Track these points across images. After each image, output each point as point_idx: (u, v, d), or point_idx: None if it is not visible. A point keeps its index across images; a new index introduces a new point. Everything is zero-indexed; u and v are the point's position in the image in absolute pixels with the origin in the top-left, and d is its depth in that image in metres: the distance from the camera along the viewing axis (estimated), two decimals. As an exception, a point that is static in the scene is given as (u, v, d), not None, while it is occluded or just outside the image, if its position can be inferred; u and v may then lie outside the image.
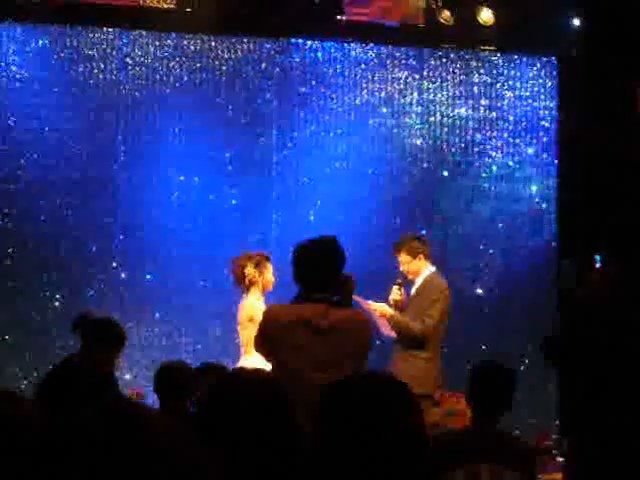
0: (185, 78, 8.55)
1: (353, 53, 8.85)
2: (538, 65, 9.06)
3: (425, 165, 8.90)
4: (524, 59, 9.04)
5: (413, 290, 6.69)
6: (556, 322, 7.69)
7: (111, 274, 8.38)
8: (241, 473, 1.99)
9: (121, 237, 8.41)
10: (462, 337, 7.93)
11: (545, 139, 9.01)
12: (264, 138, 8.65)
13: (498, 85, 8.99)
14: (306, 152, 8.72)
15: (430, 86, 8.90)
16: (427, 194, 8.87)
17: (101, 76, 8.44)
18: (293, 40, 8.74)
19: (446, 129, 8.91)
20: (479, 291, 8.82)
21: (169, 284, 8.35)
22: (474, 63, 8.95)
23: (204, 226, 8.46)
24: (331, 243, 4.10)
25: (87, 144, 8.37)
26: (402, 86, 8.88)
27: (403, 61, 8.88)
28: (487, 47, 8.82)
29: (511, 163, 9.00)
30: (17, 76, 8.34)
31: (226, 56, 8.61)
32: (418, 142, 8.90)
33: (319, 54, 8.79)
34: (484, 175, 8.96)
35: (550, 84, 9.03)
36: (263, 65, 8.67)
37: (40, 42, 8.38)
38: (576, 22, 8.58)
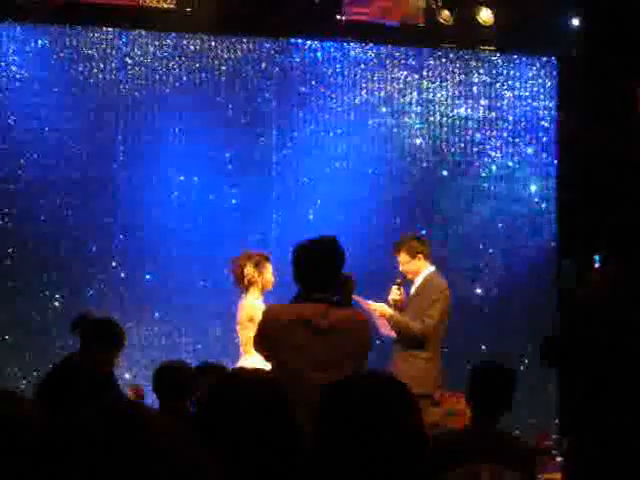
0: (185, 78, 8.55)
1: (352, 53, 8.85)
2: (538, 65, 9.06)
3: (425, 165, 8.91)
4: (524, 59, 9.05)
5: (413, 290, 6.69)
6: (556, 322, 7.69)
7: (111, 274, 8.38)
8: (241, 473, 1.99)
9: (121, 237, 8.42)
10: (462, 337, 7.93)
11: (545, 139, 9.01)
12: (264, 138, 8.66)
13: (498, 85, 8.99)
14: (306, 152, 8.72)
15: (430, 86, 8.91)
16: (427, 194, 8.87)
17: (101, 76, 8.44)
18: (293, 40, 8.74)
19: (446, 129, 8.92)
20: (479, 291, 8.83)
21: (169, 284, 8.36)
22: (474, 63, 8.96)
23: (204, 226, 8.47)
24: (331, 243, 4.10)
25: (87, 144, 8.38)
26: (402, 86, 8.88)
27: (403, 61, 8.89)
28: (487, 47, 8.82)
29: (511, 163, 9.00)
30: (17, 76, 8.35)
31: (226, 56, 8.61)
32: (418, 142, 8.90)
33: (319, 54, 8.80)
34: (484, 175, 8.96)
35: (550, 84, 9.03)
36: (263, 65, 8.67)
37: (40, 42, 8.39)
38: (576, 22, 8.59)
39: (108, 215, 8.41)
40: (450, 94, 8.93)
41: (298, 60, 8.74)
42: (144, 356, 8.14)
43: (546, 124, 9.01)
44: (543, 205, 8.97)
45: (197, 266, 8.38)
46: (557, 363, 4.87)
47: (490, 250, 8.91)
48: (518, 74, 9.01)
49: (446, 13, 8.32)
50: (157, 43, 8.55)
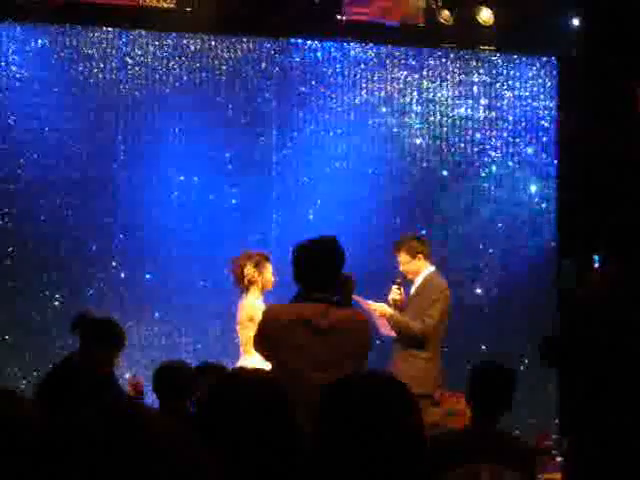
0: (185, 78, 8.55)
1: (353, 53, 8.85)
2: (538, 65, 9.06)
3: (425, 165, 8.90)
4: (524, 59, 9.04)
5: (413, 290, 6.69)
6: (556, 322, 7.69)
7: (111, 274, 8.38)
8: (241, 473, 1.99)
9: (121, 237, 8.41)
10: (462, 337, 7.93)
11: (545, 139, 9.01)
12: (264, 138, 8.65)
13: (498, 85, 8.99)
14: (306, 152, 8.72)
15: (430, 86, 8.91)
16: (427, 194, 8.87)
17: (101, 76, 8.44)
18: (293, 40, 8.74)
19: (446, 129, 8.91)
20: (479, 291, 8.82)
21: (169, 284, 8.35)
22: (474, 63, 8.96)
23: (204, 226, 8.47)
24: (331, 243, 4.10)
25: (87, 144, 8.37)
26: (402, 86, 8.88)
27: (403, 61, 8.88)
28: (487, 47, 8.82)
29: (510, 163, 9.00)
30: (17, 76, 8.34)
31: (226, 56, 8.61)
32: (418, 142, 8.90)
33: (319, 54, 8.79)
34: (484, 175, 8.96)
35: (550, 84, 9.03)
36: (263, 65, 8.67)
37: (40, 42, 8.38)
38: (576, 22, 8.58)
39: (108, 215, 8.41)
40: (450, 94, 8.92)
41: (298, 60, 8.74)
42: (144, 356, 8.14)
43: (546, 124, 9.01)
44: (543, 205, 8.97)
45: (197, 266, 8.38)
46: (557, 363, 4.87)
47: (490, 250, 8.91)
48: (518, 74, 9.01)
49: (446, 13, 8.32)
50: (157, 43, 8.54)
